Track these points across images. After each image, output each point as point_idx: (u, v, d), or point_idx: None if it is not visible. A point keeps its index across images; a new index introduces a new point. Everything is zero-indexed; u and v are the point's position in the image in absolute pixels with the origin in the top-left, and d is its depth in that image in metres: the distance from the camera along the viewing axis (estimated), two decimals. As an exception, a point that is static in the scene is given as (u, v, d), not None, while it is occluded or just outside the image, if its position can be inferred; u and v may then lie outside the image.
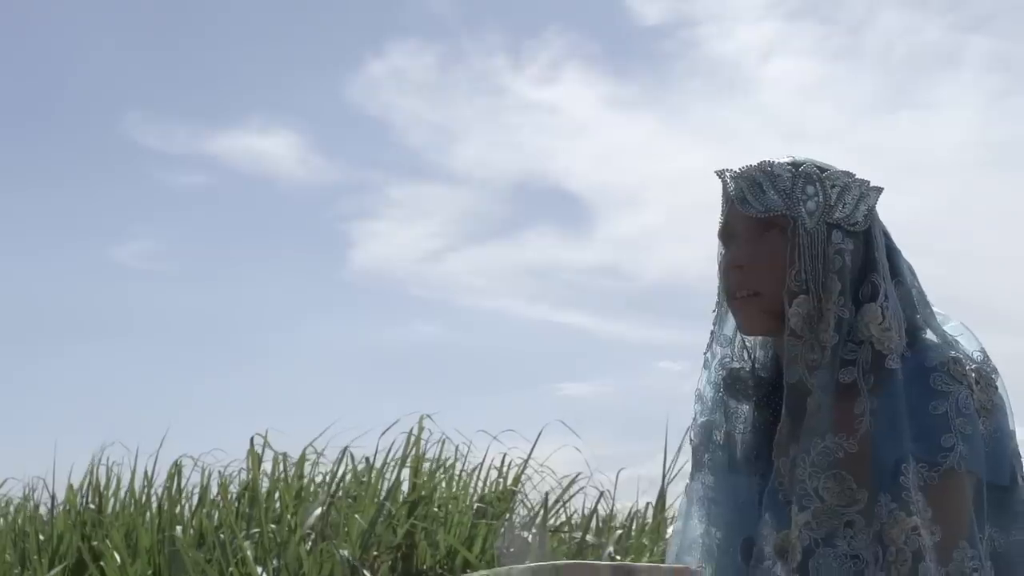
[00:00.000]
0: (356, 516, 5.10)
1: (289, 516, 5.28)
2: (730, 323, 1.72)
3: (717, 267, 1.71)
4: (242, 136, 9.98)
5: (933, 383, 1.54)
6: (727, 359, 1.72)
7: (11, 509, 6.36)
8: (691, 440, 1.76)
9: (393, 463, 5.55)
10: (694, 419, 1.75)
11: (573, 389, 8.24)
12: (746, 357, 1.73)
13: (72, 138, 10.41)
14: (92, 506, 5.56)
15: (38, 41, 9.96)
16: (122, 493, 5.77)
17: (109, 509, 5.62)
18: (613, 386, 8.25)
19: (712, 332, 1.75)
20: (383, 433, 5.63)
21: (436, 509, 5.40)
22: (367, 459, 5.68)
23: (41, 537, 5.51)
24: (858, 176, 1.65)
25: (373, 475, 5.57)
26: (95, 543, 5.28)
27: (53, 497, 5.89)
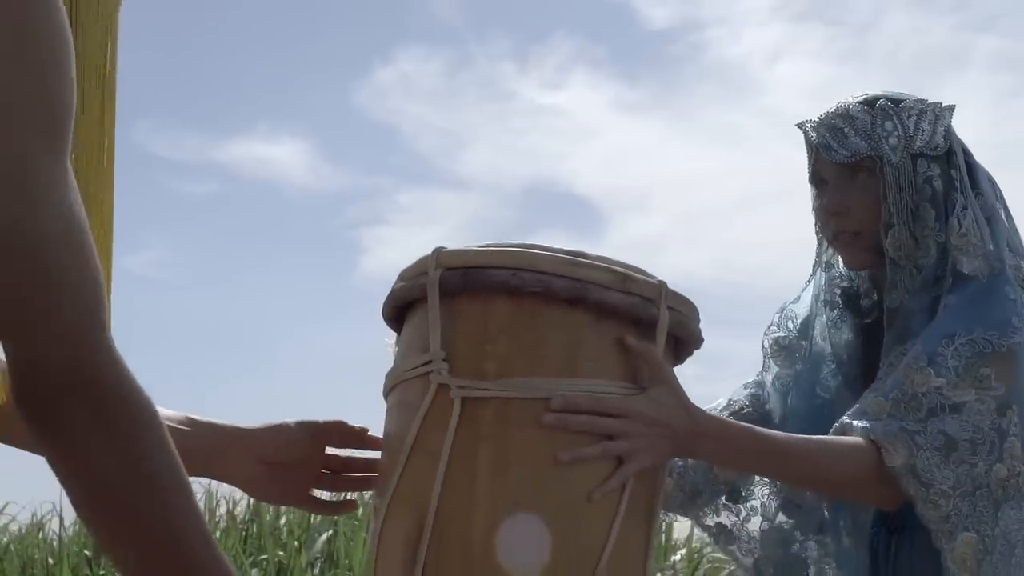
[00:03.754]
0: (362, 542, 5.10)
1: (295, 542, 5.29)
2: (830, 251, 1.85)
3: (812, 209, 1.82)
4: (251, 143, 10.01)
5: (1012, 276, 1.67)
6: (837, 279, 1.85)
7: (19, 531, 6.37)
8: (772, 346, 1.88)
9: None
10: (769, 328, 1.90)
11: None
12: (852, 278, 1.85)
13: (81, 147, 10.40)
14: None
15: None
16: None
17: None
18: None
19: (815, 263, 1.88)
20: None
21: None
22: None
23: (51, 561, 5.53)
24: (930, 100, 1.75)
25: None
26: (102, 572, 5.29)
27: (62, 520, 5.91)
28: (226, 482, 1.45)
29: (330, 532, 5.19)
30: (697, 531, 5.50)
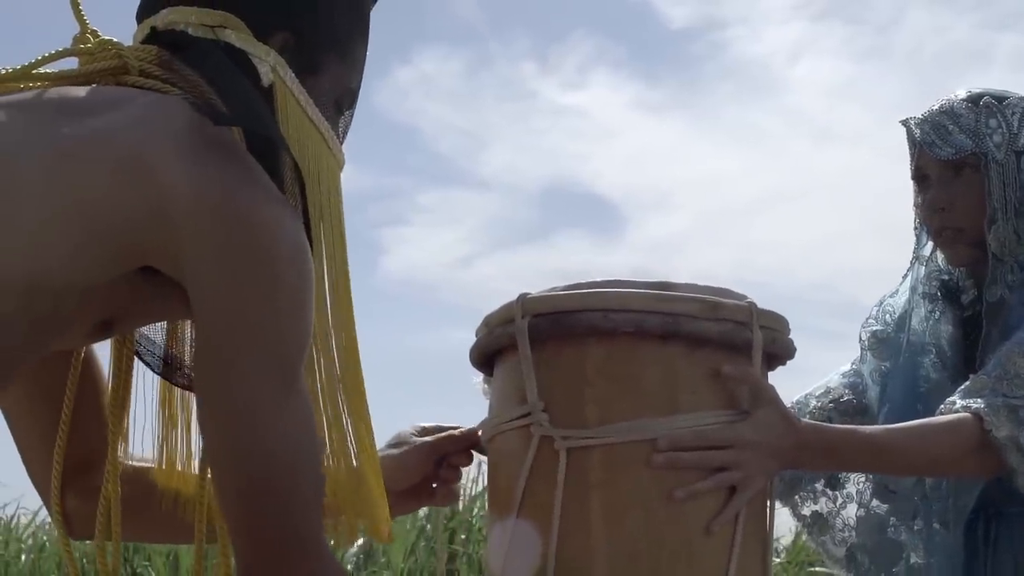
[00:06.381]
0: (399, 539, 5.10)
1: (331, 542, 5.28)
2: (928, 245, 1.85)
3: (913, 205, 1.84)
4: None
5: None
6: (936, 272, 1.85)
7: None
8: (870, 339, 1.88)
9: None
10: (867, 321, 1.90)
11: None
12: (952, 272, 1.85)
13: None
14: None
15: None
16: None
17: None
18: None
19: (912, 258, 1.88)
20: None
21: (478, 530, 5.40)
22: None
23: (85, 562, 5.52)
24: None
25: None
26: (139, 571, 5.29)
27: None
28: None
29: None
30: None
